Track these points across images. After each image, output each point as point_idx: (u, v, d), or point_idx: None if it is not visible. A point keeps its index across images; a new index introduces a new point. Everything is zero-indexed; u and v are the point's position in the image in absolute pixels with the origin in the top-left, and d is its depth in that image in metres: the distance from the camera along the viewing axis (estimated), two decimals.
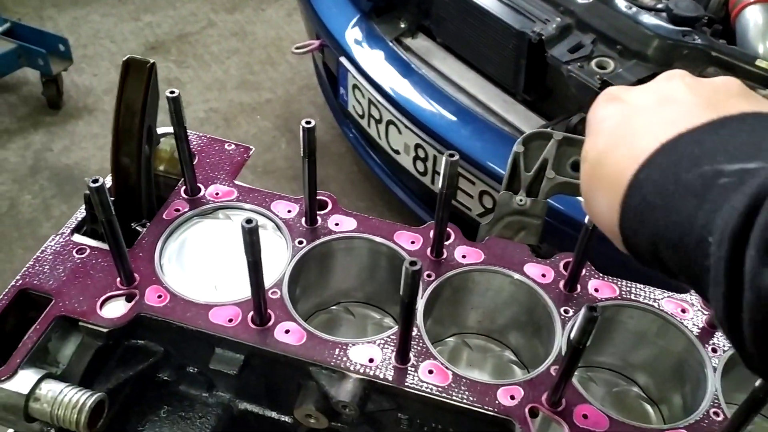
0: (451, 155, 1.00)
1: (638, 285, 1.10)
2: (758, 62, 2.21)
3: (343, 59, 2.94)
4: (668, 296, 1.09)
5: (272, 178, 3.50)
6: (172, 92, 1.06)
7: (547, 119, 2.61)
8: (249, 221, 0.87)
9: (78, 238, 1.14)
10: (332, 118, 3.37)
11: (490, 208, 2.60)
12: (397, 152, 2.89)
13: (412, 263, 0.84)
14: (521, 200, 1.25)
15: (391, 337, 1.03)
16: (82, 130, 3.66)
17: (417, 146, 2.74)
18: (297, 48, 3.13)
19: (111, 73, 3.99)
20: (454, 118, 2.69)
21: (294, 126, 3.80)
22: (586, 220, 1.00)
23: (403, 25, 3.00)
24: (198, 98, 3.83)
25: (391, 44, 2.91)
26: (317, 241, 1.15)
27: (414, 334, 1.01)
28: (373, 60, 2.87)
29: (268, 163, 3.58)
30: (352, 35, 2.98)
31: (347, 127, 3.30)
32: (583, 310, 0.81)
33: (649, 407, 1.15)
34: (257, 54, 4.20)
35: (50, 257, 1.10)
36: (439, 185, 1.04)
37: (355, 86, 2.96)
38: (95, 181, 0.91)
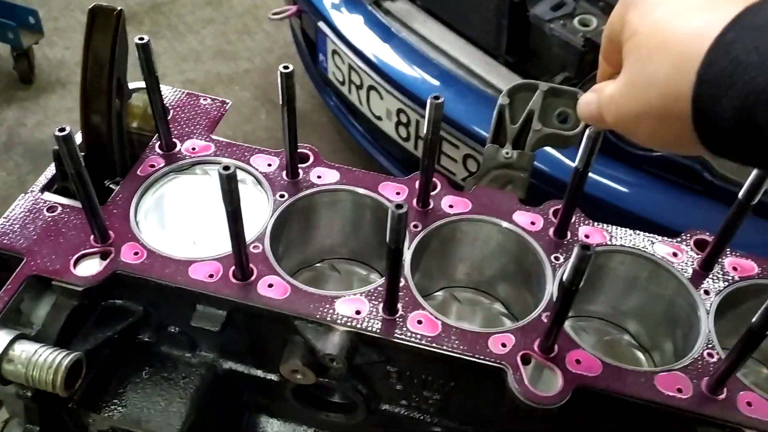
0: (436, 98, 0.97)
1: (628, 230, 1.08)
2: None
3: (321, 24, 2.88)
4: (659, 240, 1.07)
5: None
6: (141, 38, 1.01)
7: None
8: (226, 168, 0.83)
9: (48, 196, 1.09)
10: (312, 86, 3.31)
11: (474, 171, 2.57)
12: (379, 118, 2.84)
13: (398, 206, 0.81)
14: (507, 153, 1.22)
15: (378, 289, 1.00)
16: (55, 105, 3.57)
17: (399, 111, 2.70)
18: (274, 14, 3.06)
19: None
20: (436, 82, 2.65)
21: (273, 96, 3.73)
22: (576, 162, 0.97)
23: None
24: (174, 69, 3.75)
25: (370, 8, 2.85)
26: (299, 195, 1.11)
27: (401, 285, 0.98)
28: (352, 24, 2.81)
29: (248, 135, 3.52)
30: (330, 0, 2.92)
31: (328, 95, 3.24)
32: (576, 249, 0.78)
33: (640, 354, 1.13)
34: (233, 23, 4.11)
35: (20, 216, 1.05)
36: (424, 131, 1.01)
37: (334, 52, 2.90)
38: (62, 129, 0.87)
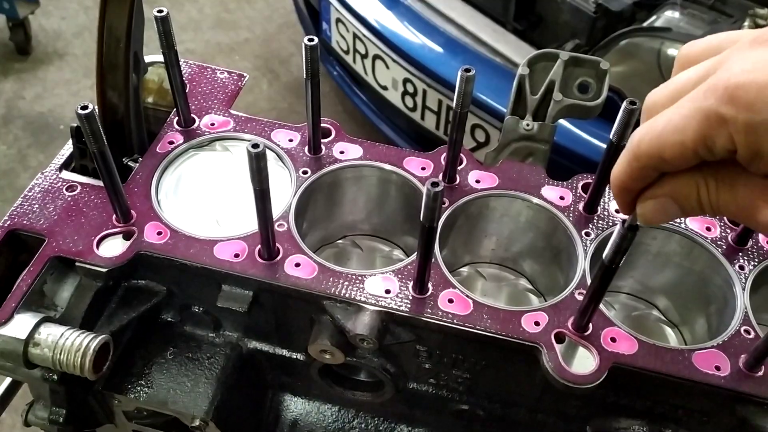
0: (467, 70, 0.94)
1: None
2: None
3: None
4: None
5: None
6: (160, 11, 0.97)
7: (538, 48, 2.53)
8: (255, 146, 0.80)
9: (67, 174, 1.06)
10: None
11: (482, 141, 2.55)
12: (384, 88, 2.80)
13: (434, 184, 0.78)
14: (528, 125, 1.19)
15: (408, 267, 0.98)
16: (53, 76, 3.51)
17: (405, 81, 2.66)
18: None
19: (80, 15, 3.82)
20: (442, 50, 2.61)
21: (275, 66, 3.68)
22: (611, 135, 0.94)
23: None
24: None
25: None
26: (323, 170, 1.08)
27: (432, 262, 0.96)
28: None
29: (249, 105, 3.47)
30: None
31: (331, 64, 3.19)
32: (617, 227, 0.76)
33: (669, 330, 1.12)
34: None
35: (39, 196, 1.03)
36: (453, 104, 0.98)
37: (338, 20, 2.85)
38: (84, 107, 0.84)
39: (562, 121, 1.22)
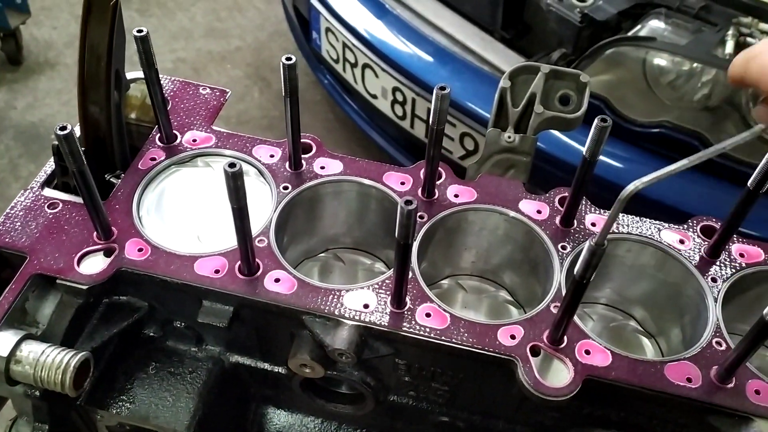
0: (442, 88, 0.95)
1: (635, 217, 1.07)
2: None
3: (314, 1, 2.83)
4: (666, 228, 1.06)
5: (246, 129, 3.41)
6: (139, 31, 0.99)
7: (526, 57, 2.55)
8: (232, 165, 0.82)
9: (49, 192, 1.08)
10: (305, 64, 3.27)
11: (471, 150, 2.56)
12: (374, 96, 2.82)
13: (408, 202, 0.79)
14: (509, 137, 1.21)
15: (386, 281, 0.99)
16: (45, 86, 3.52)
17: (395, 89, 2.68)
18: None
19: (71, 25, 3.83)
20: (431, 59, 2.62)
21: (266, 74, 3.69)
22: (584, 152, 0.96)
23: None
24: (164, 48, 3.69)
25: None
26: (303, 186, 1.10)
27: (409, 277, 0.98)
28: (346, 1, 2.77)
29: (241, 113, 3.49)
30: None
31: (321, 73, 3.20)
32: (587, 243, 0.77)
33: (646, 340, 1.13)
34: (223, 0, 4.05)
35: (21, 213, 1.04)
36: (430, 121, 0.99)
37: (328, 29, 2.86)
38: (63, 128, 0.85)
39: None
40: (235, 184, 0.84)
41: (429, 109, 2.58)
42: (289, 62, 0.97)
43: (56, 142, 1.04)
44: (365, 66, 2.74)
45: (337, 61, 2.93)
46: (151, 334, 1.09)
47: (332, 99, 3.21)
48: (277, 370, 1.11)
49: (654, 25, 2.25)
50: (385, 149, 2.97)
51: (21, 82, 3.55)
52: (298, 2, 3.06)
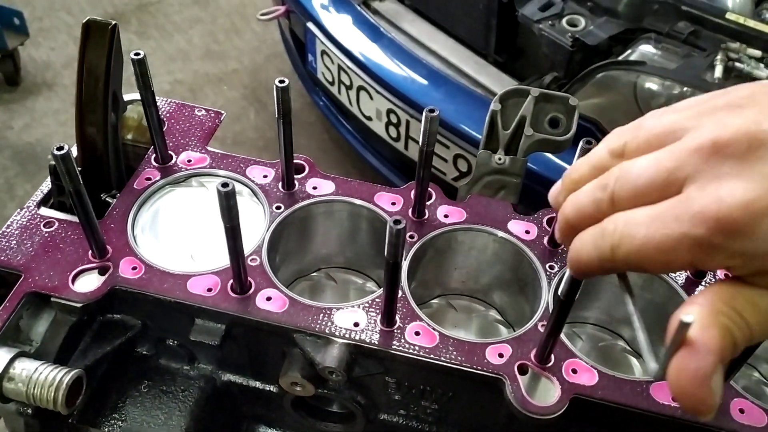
0: (431, 111, 0.97)
1: None
2: (728, 15, 2.21)
3: (310, 25, 2.88)
4: None
5: (242, 150, 3.44)
6: (136, 54, 1.01)
7: (519, 80, 2.59)
8: (225, 185, 0.83)
9: (45, 211, 1.09)
10: (301, 86, 3.31)
11: (465, 171, 2.59)
12: (369, 118, 2.85)
13: (396, 222, 0.81)
14: (500, 159, 1.23)
15: (376, 300, 1.01)
16: (42, 107, 3.54)
17: (389, 111, 2.71)
18: (262, 14, 3.06)
19: (69, 46, 3.87)
20: (425, 82, 2.65)
21: (262, 96, 3.73)
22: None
23: None
24: (162, 70, 3.73)
25: (359, 8, 2.86)
26: (295, 206, 1.11)
27: (399, 296, 0.99)
28: (341, 25, 2.81)
29: (237, 134, 3.52)
30: (319, 0, 2.92)
31: (317, 94, 3.24)
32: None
33: (635, 360, 1.15)
34: (221, 22, 4.10)
35: (16, 232, 1.05)
36: (420, 143, 1.02)
37: (323, 52, 2.90)
38: (60, 148, 0.87)
39: None
40: (228, 204, 0.85)
41: None
42: (282, 85, 1.00)
43: (53, 162, 1.06)
44: (360, 88, 2.77)
45: (332, 83, 2.96)
46: (144, 352, 1.10)
47: (327, 120, 3.24)
48: (268, 389, 1.12)
49: (644, 50, 2.29)
50: (380, 170, 3.00)
51: (18, 102, 3.57)
52: (295, 25, 3.10)
